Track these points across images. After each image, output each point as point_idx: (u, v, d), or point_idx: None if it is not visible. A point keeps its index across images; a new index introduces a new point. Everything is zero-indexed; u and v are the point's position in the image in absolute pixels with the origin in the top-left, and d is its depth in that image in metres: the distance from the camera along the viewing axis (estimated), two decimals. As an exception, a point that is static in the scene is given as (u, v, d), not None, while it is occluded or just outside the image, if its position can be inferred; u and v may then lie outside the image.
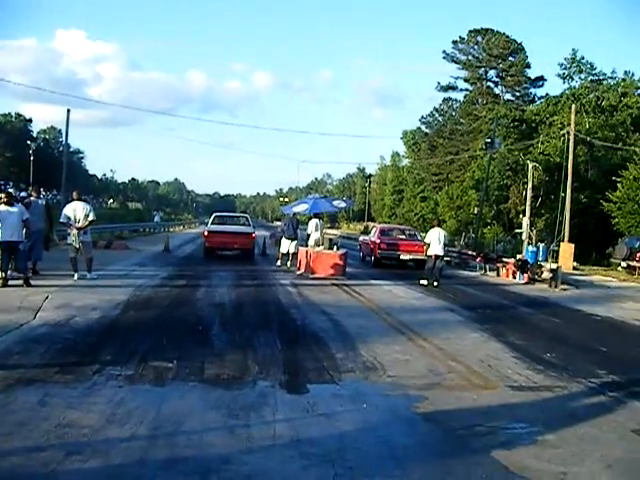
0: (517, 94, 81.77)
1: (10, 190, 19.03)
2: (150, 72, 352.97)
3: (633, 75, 65.28)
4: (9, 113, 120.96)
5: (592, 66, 65.02)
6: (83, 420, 6.32)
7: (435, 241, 21.82)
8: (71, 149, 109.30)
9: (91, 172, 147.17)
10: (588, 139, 44.79)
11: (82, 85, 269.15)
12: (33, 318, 11.52)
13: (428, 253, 22.20)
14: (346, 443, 6.11)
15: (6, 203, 15.64)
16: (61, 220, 17.79)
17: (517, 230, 38.60)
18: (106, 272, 19.42)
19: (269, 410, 7.01)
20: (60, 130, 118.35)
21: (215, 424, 6.46)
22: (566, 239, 36.38)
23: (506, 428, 6.87)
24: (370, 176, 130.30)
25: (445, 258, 24.08)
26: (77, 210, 17.61)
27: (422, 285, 21.19)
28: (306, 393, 7.83)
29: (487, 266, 29.47)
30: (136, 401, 7.08)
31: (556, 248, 33.37)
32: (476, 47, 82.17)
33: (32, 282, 15.81)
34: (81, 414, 6.52)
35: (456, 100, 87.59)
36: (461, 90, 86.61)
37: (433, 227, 22.80)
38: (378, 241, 28.77)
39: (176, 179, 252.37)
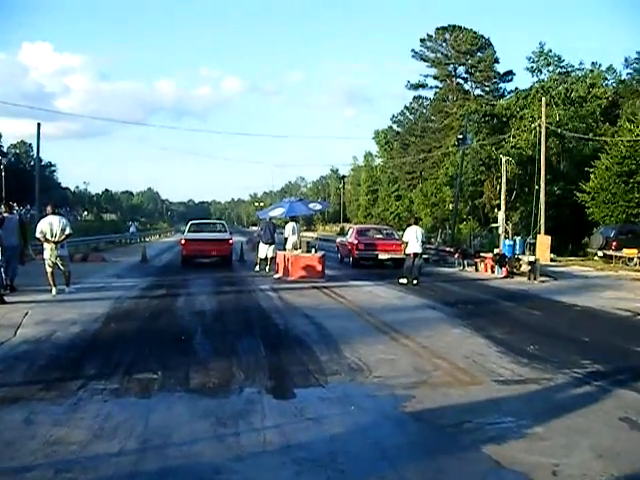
0: (487, 89, 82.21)
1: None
2: (120, 82, 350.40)
3: (600, 66, 66.00)
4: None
5: (560, 58, 65.51)
6: (70, 436, 6.26)
7: (413, 239, 21.87)
8: (43, 163, 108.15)
9: (64, 185, 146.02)
10: (559, 131, 45.14)
11: (51, 98, 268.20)
12: (13, 335, 11.42)
13: (406, 251, 22.23)
14: (337, 446, 6.09)
15: (-23, 221, 15.50)
16: (37, 235, 17.48)
17: (493, 224, 38.76)
18: (84, 285, 19.30)
19: (257, 417, 6.97)
20: (30, 144, 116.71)
21: (204, 434, 6.42)
22: (542, 231, 36.60)
23: (495, 423, 6.88)
24: (344, 177, 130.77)
25: (423, 255, 24.13)
26: (53, 224, 17.37)
27: (402, 284, 21.22)
28: (293, 398, 7.80)
29: (465, 262, 29.60)
30: (123, 414, 7.03)
31: (533, 241, 33.50)
32: (444, 44, 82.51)
33: (10, 299, 15.70)
34: (68, 430, 6.45)
35: (426, 98, 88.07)
36: (431, 88, 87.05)
37: (410, 225, 22.83)
38: (356, 242, 28.78)
39: (149, 188, 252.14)
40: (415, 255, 21.85)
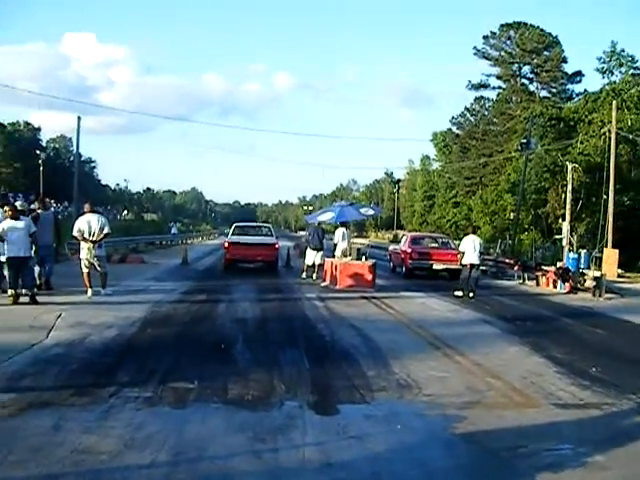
0: (553, 91, 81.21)
1: (18, 203, 18.95)
2: (164, 76, 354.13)
3: (678, 67, 64.80)
4: (17, 122, 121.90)
5: (633, 59, 64.42)
6: (100, 445, 6.30)
7: (470, 249, 21.71)
8: (82, 158, 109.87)
9: (104, 182, 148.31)
10: (631, 137, 44.42)
11: (93, 91, 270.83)
12: (46, 337, 11.56)
13: (463, 262, 22.06)
14: (380, 467, 6.05)
15: (12, 217, 15.73)
16: (74, 234, 17.71)
17: (557, 236, 38.32)
18: (121, 288, 19.48)
19: (297, 433, 6.96)
20: (70, 139, 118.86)
21: (240, 448, 6.42)
22: (609, 244, 36.09)
23: (552, 449, 6.78)
24: (399, 181, 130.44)
25: (481, 267, 23.97)
26: (91, 223, 17.56)
27: (457, 296, 21.07)
28: (336, 414, 7.78)
29: (525, 275, 29.27)
30: (156, 425, 7.06)
31: (599, 254, 33.07)
32: (509, 42, 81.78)
33: (43, 299, 15.91)
34: (98, 439, 6.50)
35: (488, 99, 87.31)
36: (494, 88, 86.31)
37: (468, 234, 22.67)
38: (409, 250, 28.71)
39: (193, 188, 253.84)
40: (472, 266, 21.70)
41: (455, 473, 6.09)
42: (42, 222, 17.62)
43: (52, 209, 22.20)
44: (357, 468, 6.01)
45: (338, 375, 9.67)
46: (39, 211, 18.48)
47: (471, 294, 21.18)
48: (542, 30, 78.71)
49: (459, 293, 21.34)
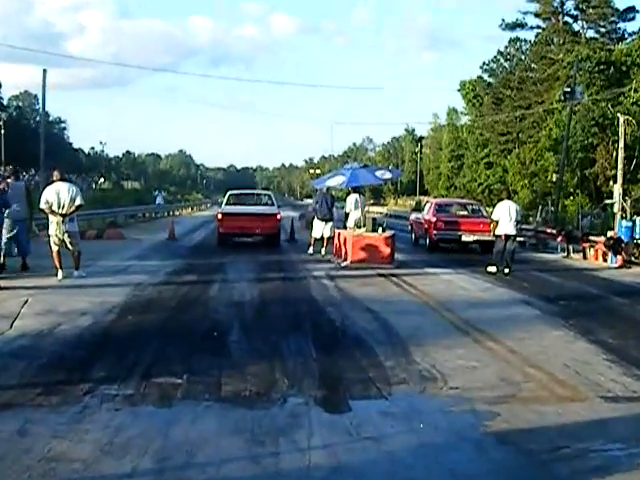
0: (602, 30, 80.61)
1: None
2: (144, 20, 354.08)
3: None
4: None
5: (696, -8, 64.14)
6: (73, 452, 6.33)
7: (505, 217, 21.65)
8: (50, 118, 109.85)
9: (76, 145, 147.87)
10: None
11: (61, 39, 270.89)
12: (9, 328, 11.59)
13: (497, 232, 22.02)
14: (399, 473, 6.08)
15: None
16: (41, 206, 17.54)
17: (607, 201, 38.17)
18: (97, 268, 19.59)
19: (302, 434, 6.98)
20: (36, 95, 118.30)
21: (236, 453, 6.45)
22: (670, 210, 35.98)
23: (600, 450, 6.79)
24: (421, 139, 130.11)
25: (518, 238, 23.94)
26: (60, 193, 17.44)
27: (490, 273, 21.08)
28: (348, 411, 7.81)
29: (570, 247, 29.20)
30: (138, 427, 7.09)
31: (657, 221, 33.02)
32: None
33: (7, 283, 15.97)
34: (71, 444, 6.52)
35: (526, 41, 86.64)
36: (532, 28, 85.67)
37: (502, 200, 22.64)
38: (434, 219, 28.69)
39: (181, 151, 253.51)
40: (507, 237, 21.66)
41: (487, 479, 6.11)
42: (12, 194, 17.62)
43: (21, 178, 22.22)
44: (371, 474, 6.03)
45: (350, 366, 9.70)
46: (9, 181, 18.46)
47: (506, 270, 21.17)
48: (588, -43, 78.11)
49: (492, 269, 21.34)
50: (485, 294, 17.38)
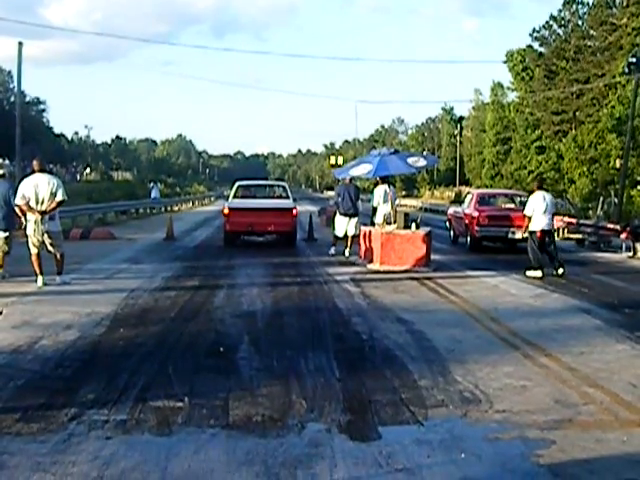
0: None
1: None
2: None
3: None
4: None
5: None
6: (57, 487, 6.36)
7: (540, 210, 21.50)
8: (27, 99, 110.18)
9: (57, 131, 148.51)
10: None
11: (38, 5, 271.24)
12: (-18, 343, 11.67)
13: (531, 228, 21.83)
14: (437, 511, 6.09)
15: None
16: (16, 202, 17.55)
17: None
18: (84, 273, 19.68)
19: (324, 466, 6.98)
20: (10, 72, 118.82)
21: (246, 489, 6.47)
22: None
23: (672, 483, 6.79)
24: (461, 119, 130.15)
25: (575, 236, 23.85)
26: (39, 186, 17.40)
27: (534, 278, 20.87)
28: (377, 439, 7.80)
29: (637, 245, 29.13)
30: (132, 458, 7.10)
31: None
32: None
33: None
34: (54, 479, 6.56)
35: (583, 3, 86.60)
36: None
37: (533, 192, 22.51)
38: (476, 214, 28.71)
39: (180, 136, 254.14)
40: (545, 234, 21.60)
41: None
42: None
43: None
44: (405, 513, 6.05)
45: (380, 387, 9.70)
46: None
47: (560, 270, 21.10)
48: None
49: (537, 273, 21.07)
50: (536, 301, 17.32)
